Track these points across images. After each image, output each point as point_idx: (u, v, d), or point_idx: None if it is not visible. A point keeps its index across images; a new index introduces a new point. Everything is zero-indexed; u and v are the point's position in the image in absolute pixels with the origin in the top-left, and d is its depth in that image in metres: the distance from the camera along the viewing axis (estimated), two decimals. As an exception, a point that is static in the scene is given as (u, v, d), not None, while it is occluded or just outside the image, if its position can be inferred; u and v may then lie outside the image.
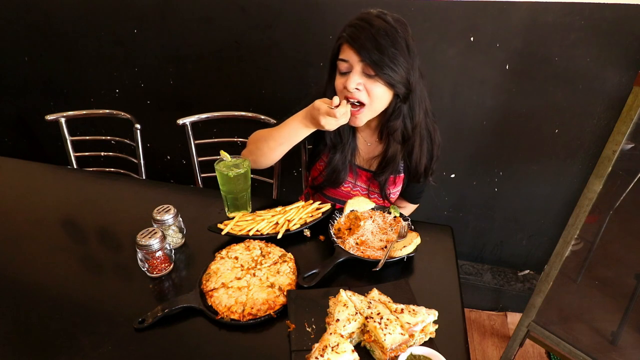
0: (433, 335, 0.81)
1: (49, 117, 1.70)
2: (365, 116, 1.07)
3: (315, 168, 1.29)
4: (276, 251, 1.00)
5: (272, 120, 1.63)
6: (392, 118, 1.09)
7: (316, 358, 0.70)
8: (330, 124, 1.01)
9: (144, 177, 1.76)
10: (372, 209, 1.16)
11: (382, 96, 1.03)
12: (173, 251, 1.00)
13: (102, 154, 1.84)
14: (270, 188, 1.74)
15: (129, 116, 1.70)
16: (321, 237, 1.09)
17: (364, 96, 1.02)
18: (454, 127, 1.73)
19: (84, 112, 1.77)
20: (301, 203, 1.16)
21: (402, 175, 1.25)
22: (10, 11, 2.06)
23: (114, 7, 1.89)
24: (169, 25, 1.86)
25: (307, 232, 1.09)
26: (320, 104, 1.00)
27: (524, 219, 1.87)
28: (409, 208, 1.42)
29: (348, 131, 1.18)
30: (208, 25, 1.80)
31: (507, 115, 1.64)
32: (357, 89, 1.01)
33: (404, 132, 1.12)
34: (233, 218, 1.10)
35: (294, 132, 1.09)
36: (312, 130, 1.08)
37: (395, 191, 1.28)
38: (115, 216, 1.20)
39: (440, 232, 1.12)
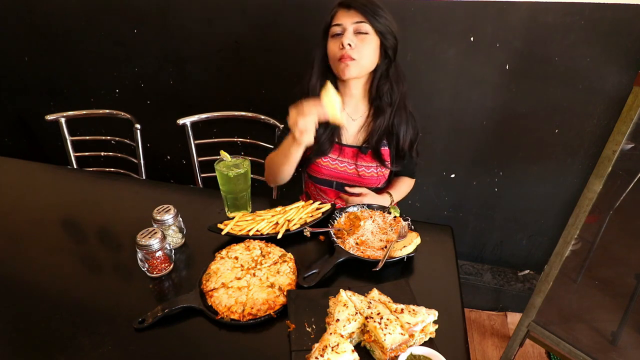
0: (433, 335, 0.81)
1: (49, 117, 1.70)
2: (355, 69, 1.17)
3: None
4: (276, 251, 1.00)
5: (272, 120, 1.63)
6: (381, 79, 1.23)
7: (316, 358, 0.70)
8: (302, 137, 1.06)
9: (144, 177, 1.76)
10: (373, 209, 1.16)
11: (371, 53, 1.16)
12: (173, 251, 1.00)
13: (102, 154, 1.84)
14: (270, 188, 1.74)
15: (129, 116, 1.70)
16: (321, 237, 1.09)
17: (355, 53, 1.14)
18: (454, 127, 1.73)
19: (84, 112, 1.77)
20: (301, 203, 1.16)
21: (387, 148, 1.31)
22: (11, 11, 2.06)
23: (114, 7, 1.89)
24: (169, 25, 1.86)
25: (307, 232, 1.09)
26: (292, 113, 1.04)
27: (524, 219, 1.87)
28: (407, 183, 1.45)
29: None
30: (208, 25, 1.80)
31: (507, 115, 1.64)
32: (349, 44, 1.13)
33: (391, 93, 1.23)
34: (233, 218, 1.10)
35: (287, 151, 1.16)
36: (299, 147, 1.12)
37: (388, 162, 1.32)
38: (115, 216, 1.20)
39: (440, 232, 1.12)
